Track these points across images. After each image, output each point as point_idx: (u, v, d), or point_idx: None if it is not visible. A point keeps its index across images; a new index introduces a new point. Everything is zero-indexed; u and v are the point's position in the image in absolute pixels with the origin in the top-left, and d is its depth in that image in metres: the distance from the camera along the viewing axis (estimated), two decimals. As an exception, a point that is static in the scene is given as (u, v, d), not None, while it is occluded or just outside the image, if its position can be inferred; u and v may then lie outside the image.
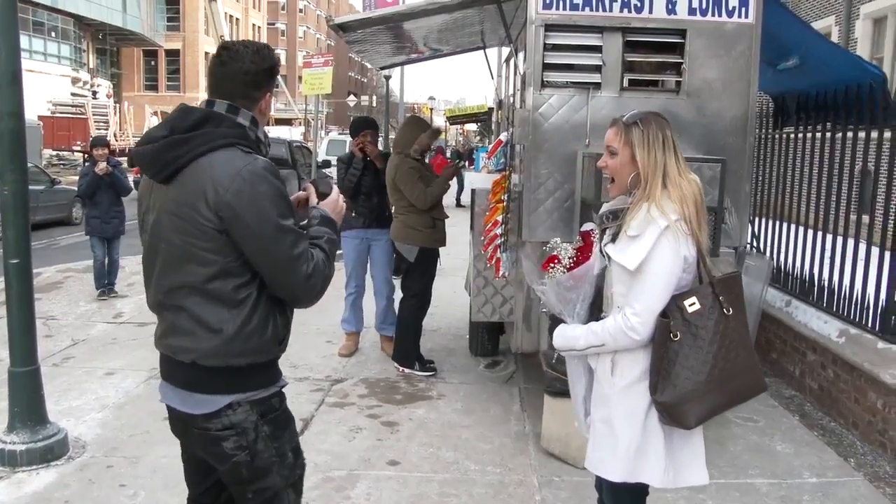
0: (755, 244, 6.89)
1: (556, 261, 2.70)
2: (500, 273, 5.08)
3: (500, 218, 4.97)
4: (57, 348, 6.52)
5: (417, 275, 5.98)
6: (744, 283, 6.55)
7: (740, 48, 4.56)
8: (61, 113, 30.97)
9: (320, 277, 2.20)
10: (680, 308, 2.45)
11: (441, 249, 6.05)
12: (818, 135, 5.80)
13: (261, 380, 2.26)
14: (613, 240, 2.54)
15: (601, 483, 2.72)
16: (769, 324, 6.16)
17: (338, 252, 2.47)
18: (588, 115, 4.55)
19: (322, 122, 57.27)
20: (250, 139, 2.22)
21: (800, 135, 6.16)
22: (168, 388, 2.29)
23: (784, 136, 6.52)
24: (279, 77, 3.40)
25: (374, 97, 46.22)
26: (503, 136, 5.90)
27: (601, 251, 2.61)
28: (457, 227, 7.72)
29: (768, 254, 6.63)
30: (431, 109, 49.01)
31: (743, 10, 4.53)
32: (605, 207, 2.68)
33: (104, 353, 6.40)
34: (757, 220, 6.94)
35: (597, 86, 4.57)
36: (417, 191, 5.75)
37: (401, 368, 6.01)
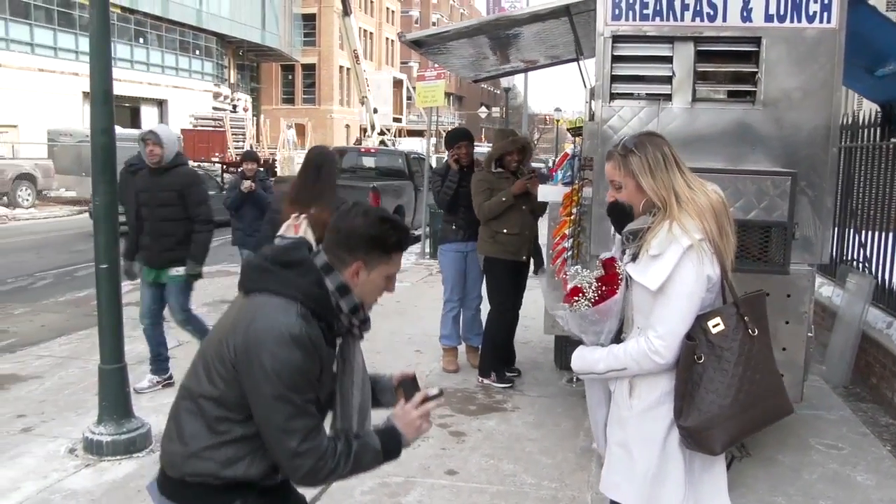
0: (861, 261, 6.49)
1: (580, 293, 2.58)
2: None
3: (567, 231, 4.92)
4: (164, 348, 6.94)
5: (489, 287, 6.05)
6: (845, 301, 6.23)
7: (822, 55, 4.32)
8: (202, 126, 32.83)
9: (313, 462, 2.02)
10: (704, 329, 2.36)
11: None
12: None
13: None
14: (634, 259, 2.49)
15: (617, 508, 2.65)
16: (869, 346, 5.78)
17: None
18: (658, 128, 4.43)
19: (449, 132, 57.71)
20: (327, 306, 2.09)
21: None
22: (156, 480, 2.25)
23: (892, 146, 6.10)
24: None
25: (505, 108, 46.47)
26: (568, 149, 5.83)
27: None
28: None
29: (874, 270, 6.22)
30: (558, 121, 48.52)
31: (825, 14, 4.29)
32: (626, 228, 2.62)
33: (204, 354, 6.74)
34: (863, 233, 6.53)
35: (667, 97, 4.46)
36: (476, 203, 5.85)
37: (480, 379, 6.06)
